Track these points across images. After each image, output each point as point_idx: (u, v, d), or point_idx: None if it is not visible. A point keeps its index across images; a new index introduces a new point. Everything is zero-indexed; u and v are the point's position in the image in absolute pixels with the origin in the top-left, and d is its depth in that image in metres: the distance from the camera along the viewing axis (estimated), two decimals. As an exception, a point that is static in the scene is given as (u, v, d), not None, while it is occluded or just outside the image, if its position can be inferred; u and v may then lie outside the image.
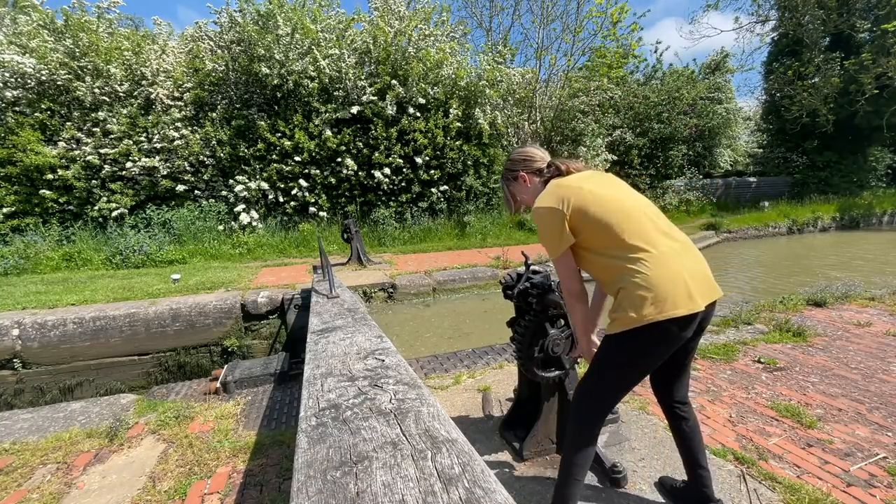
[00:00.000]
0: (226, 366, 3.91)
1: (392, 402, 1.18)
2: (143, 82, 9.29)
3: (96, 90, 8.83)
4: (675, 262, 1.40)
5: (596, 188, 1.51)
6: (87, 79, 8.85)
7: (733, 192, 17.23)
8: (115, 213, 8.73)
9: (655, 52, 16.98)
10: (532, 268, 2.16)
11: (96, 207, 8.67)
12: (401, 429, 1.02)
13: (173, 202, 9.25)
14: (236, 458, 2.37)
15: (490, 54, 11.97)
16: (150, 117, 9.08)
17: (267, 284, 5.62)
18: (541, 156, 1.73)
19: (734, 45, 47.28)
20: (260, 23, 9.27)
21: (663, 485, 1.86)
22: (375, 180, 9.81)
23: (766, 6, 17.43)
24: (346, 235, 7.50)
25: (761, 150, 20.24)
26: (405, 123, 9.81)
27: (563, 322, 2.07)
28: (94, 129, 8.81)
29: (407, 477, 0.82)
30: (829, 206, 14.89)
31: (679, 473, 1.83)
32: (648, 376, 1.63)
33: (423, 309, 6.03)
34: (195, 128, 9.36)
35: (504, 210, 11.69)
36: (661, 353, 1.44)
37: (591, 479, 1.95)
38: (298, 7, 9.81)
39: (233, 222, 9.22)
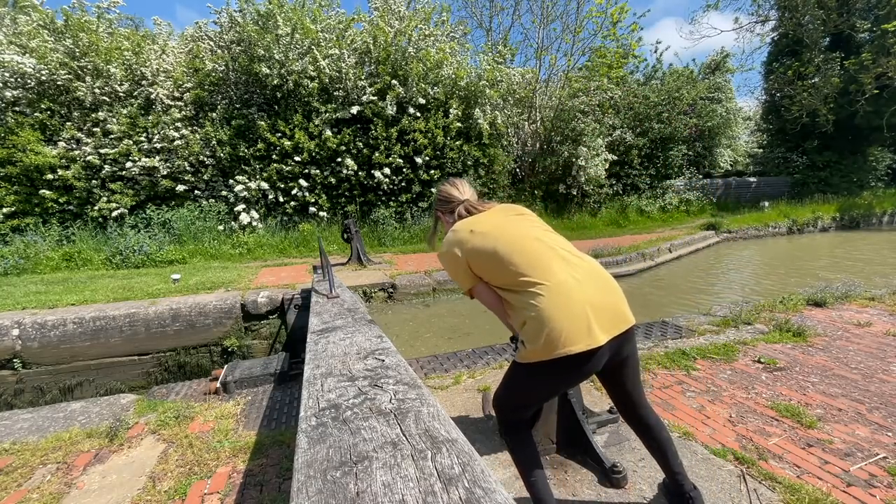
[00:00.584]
0: (226, 366, 3.91)
1: (392, 402, 1.18)
2: (143, 82, 9.29)
3: (96, 90, 8.83)
4: (574, 293, 1.35)
5: (487, 228, 1.55)
6: (87, 79, 8.85)
7: (733, 192, 17.24)
8: (115, 213, 8.73)
9: (655, 52, 17.02)
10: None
11: (96, 207, 8.68)
12: (401, 429, 1.02)
13: (173, 202, 9.26)
14: (236, 458, 2.37)
15: (490, 54, 11.97)
16: (150, 117, 9.09)
17: (267, 284, 5.62)
18: (456, 195, 1.79)
19: (734, 45, 47.40)
20: (260, 23, 9.27)
21: (665, 485, 1.86)
22: (375, 180, 9.82)
23: (766, 6, 17.46)
24: (346, 235, 7.50)
25: (761, 150, 20.25)
26: (405, 123, 9.81)
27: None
28: (94, 129, 8.82)
29: (407, 477, 0.82)
30: (829, 206, 14.89)
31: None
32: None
33: (423, 309, 6.03)
34: (195, 128, 9.37)
35: None
36: (562, 384, 1.50)
37: (591, 478, 1.95)
38: (298, 7, 9.81)
39: (233, 222, 9.23)
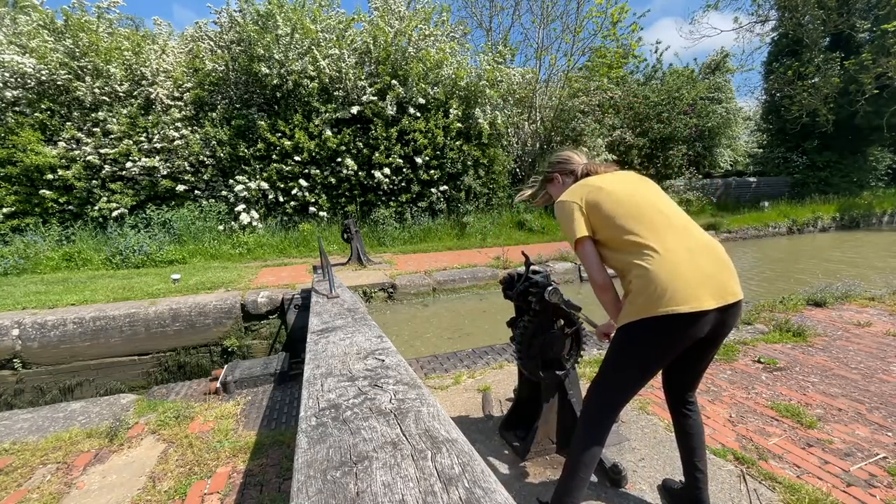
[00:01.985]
0: (226, 366, 3.91)
1: (392, 402, 1.18)
2: (143, 82, 9.29)
3: (96, 90, 8.83)
4: (684, 259, 1.38)
5: (613, 187, 1.57)
6: (87, 79, 8.85)
7: (733, 192, 17.23)
8: (115, 213, 8.73)
9: (655, 52, 16.99)
10: (532, 268, 2.16)
11: (96, 207, 8.67)
12: (401, 429, 1.02)
13: (173, 202, 9.25)
14: (236, 458, 2.37)
15: (490, 54, 11.97)
16: (150, 117, 9.08)
17: (267, 284, 5.62)
18: (577, 160, 1.82)
19: (734, 45, 47.28)
20: (260, 23, 9.27)
21: (665, 487, 1.86)
22: (375, 180, 9.81)
23: (766, 6, 17.45)
24: (346, 235, 7.50)
25: (761, 150, 20.24)
26: (405, 123, 9.81)
27: (562, 322, 2.07)
28: (94, 129, 8.82)
29: (407, 477, 0.82)
30: (829, 206, 14.88)
31: (679, 474, 1.83)
32: (660, 375, 1.64)
33: (423, 309, 6.03)
34: (195, 128, 9.37)
35: (503, 212, 11.70)
36: (666, 347, 1.41)
37: (591, 479, 1.95)
38: (298, 7, 9.81)
39: (233, 222, 9.23)
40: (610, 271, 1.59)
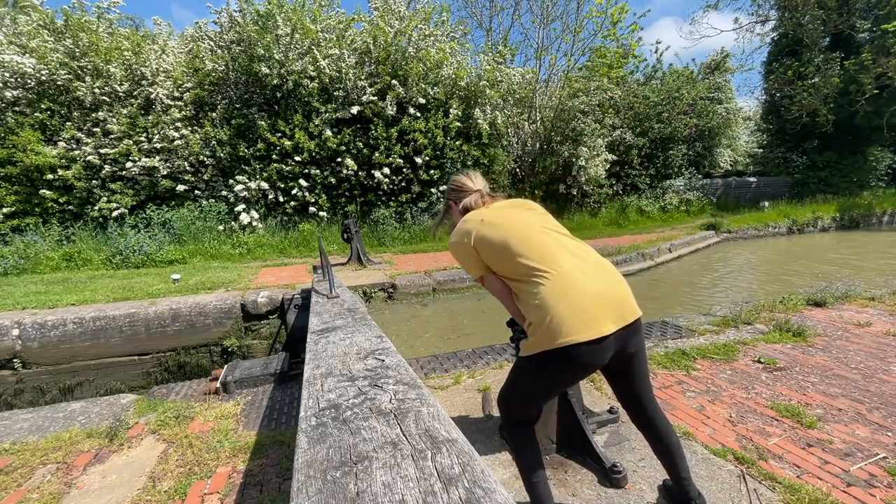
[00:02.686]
0: (226, 366, 3.91)
1: (392, 402, 1.18)
2: (143, 82, 9.29)
3: (96, 90, 8.83)
4: (579, 284, 1.36)
5: (496, 218, 1.59)
6: (87, 79, 8.85)
7: (733, 192, 17.23)
8: (115, 213, 8.73)
9: (655, 52, 17.00)
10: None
11: (96, 207, 8.68)
12: (401, 429, 1.02)
13: (173, 202, 9.26)
14: (236, 458, 2.37)
15: (490, 54, 11.97)
16: (150, 117, 9.09)
17: (267, 284, 5.62)
18: (469, 186, 1.82)
19: (734, 45, 47.35)
20: (260, 23, 9.27)
21: (665, 486, 1.86)
22: (375, 180, 9.81)
23: (766, 6, 17.45)
24: (346, 235, 7.50)
25: (761, 150, 20.24)
26: (405, 123, 9.81)
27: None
28: (94, 129, 8.82)
29: (407, 477, 0.82)
30: (829, 206, 14.88)
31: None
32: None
33: (423, 309, 6.03)
34: (195, 128, 9.37)
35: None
36: (567, 377, 1.48)
37: (591, 478, 1.95)
38: (298, 7, 9.81)
39: (233, 222, 9.23)
40: None
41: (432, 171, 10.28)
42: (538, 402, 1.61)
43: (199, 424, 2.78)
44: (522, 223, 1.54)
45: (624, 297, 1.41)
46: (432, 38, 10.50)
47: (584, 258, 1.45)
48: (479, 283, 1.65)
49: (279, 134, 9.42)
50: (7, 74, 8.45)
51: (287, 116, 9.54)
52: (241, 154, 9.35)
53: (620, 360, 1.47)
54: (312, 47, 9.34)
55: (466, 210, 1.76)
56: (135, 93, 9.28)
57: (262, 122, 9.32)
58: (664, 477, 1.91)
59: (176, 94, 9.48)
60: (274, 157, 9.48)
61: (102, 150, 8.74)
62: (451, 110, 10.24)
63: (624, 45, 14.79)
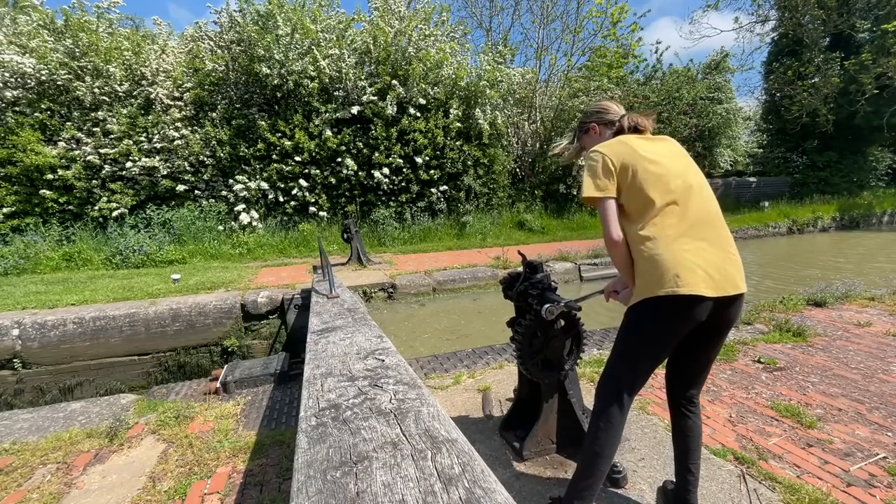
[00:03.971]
0: (226, 366, 3.91)
1: (392, 402, 1.18)
2: (143, 82, 9.29)
3: (96, 90, 8.83)
4: (694, 248, 1.39)
5: (654, 156, 1.51)
6: (87, 79, 8.85)
7: (733, 192, 17.23)
8: (115, 213, 8.73)
9: (655, 52, 16.98)
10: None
11: (96, 207, 8.67)
12: (401, 429, 1.02)
13: (173, 202, 9.25)
14: (236, 458, 2.37)
15: (490, 54, 11.97)
16: (150, 117, 9.09)
17: (267, 284, 5.62)
18: (615, 109, 1.74)
19: (734, 45, 47.32)
20: (260, 23, 9.27)
21: (664, 487, 1.85)
22: (375, 180, 9.81)
23: (766, 6, 17.45)
24: (346, 235, 7.50)
25: (761, 150, 20.23)
26: (405, 123, 9.81)
27: (562, 322, 2.07)
28: (94, 129, 8.82)
29: (407, 477, 0.82)
30: (829, 206, 14.88)
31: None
32: (663, 368, 1.66)
33: (423, 309, 6.03)
34: (195, 128, 9.37)
35: (503, 212, 11.69)
36: (669, 328, 1.43)
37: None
38: (298, 7, 9.81)
39: (233, 222, 9.23)
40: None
41: (432, 171, 10.28)
42: (646, 362, 1.52)
43: (199, 424, 2.78)
44: (675, 172, 1.49)
45: (733, 273, 1.44)
46: (432, 38, 10.49)
47: (711, 226, 1.46)
48: (596, 202, 1.51)
49: (279, 134, 9.42)
50: (7, 74, 8.45)
51: (287, 116, 9.54)
52: (241, 154, 9.35)
53: (710, 325, 1.46)
54: (312, 47, 9.33)
55: (629, 128, 1.65)
56: (135, 93, 9.27)
57: (263, 122, 9.32)
58: (665, 477, 1.91)
59: (176, 94, 9.48)
60: (274, 157, 9.48)
61: (102, 150, 8.74)
62: (451, 110, 10.23)
63: (624, 45, 14.80)
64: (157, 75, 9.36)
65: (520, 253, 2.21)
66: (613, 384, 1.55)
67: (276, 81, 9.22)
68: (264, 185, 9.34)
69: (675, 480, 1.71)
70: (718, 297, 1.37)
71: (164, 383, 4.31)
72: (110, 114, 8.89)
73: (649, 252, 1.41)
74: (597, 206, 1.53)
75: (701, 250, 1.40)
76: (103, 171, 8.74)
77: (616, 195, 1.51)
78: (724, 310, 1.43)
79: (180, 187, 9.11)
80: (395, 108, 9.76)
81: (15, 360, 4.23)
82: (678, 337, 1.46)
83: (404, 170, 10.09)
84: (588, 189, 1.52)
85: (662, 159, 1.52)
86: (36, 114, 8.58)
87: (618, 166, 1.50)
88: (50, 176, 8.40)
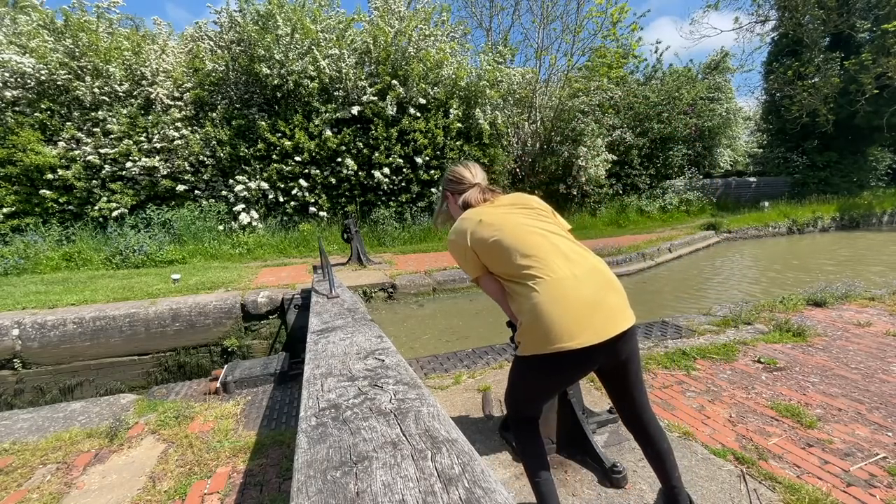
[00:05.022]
0: (226, 366, 3.91)
1: (392, 402, 1.18)
2: (143, 82, 9.29)
3: (96, 90, 8.83)
4: (572, 290, 1.36)
5: (494, 220, 1.56)
6: (87, 79, 8.85)
7: (733, 192, 17.23)
8: (115, 213, 8.73)
9: (655, 52, 17.00)
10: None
11: (96, 207, 8.68)
12: (401, 429, 1.02)
13: (173, 202, 9.26)
14: (236, 458, 2.37)
15: (490, 54, 11.97)
16: (150, 117, 9.09)
17: (267, 284, 5.62)
18: (468, 178, 1.76)
19: (734, 45, 47.35)
20: (260, 23, 9.28)
21: (662, 495, 1.85)
22: (375, 180, 9.82)
23: (766, 6, 17.44)
24: (346, 235, 7.50)
25: (761, 150, 20.23)
26: (405, 123, 9.81)
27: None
28: (94, 129, 8.82)
29: (407, 477, 0.82)
30: (829, 206, 14.88)
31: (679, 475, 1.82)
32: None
33: (423, 309, 6.03)
34: (195, 128, 9.37)
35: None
36: (559, 380, 1.51)
37: (591, 478, 1.95)
38: (298, 7, 9.82)
39: (233, 222, 9.23)
40: None
41: (432, 171, 10.28)
42: (536, 400, 1.64)
43: (199, 424, 2.78)
44: (519, 224, 1.53)
45: (617, 304, 1.41)
46: (432, 39, 10.50)
47: (578, 262, 1.44)
48: (476, 283, 1.66)
49: (279, 134, 9.42)
50: (7, 74, 8.45)
51: (287, 116, 9.54)
52: (241, 154, 9.35)
53: (612, 365, 1.49)
54: (312, 47, 9.34)
55: (466, 206, 1.71)
56: (135, 93, 9.28)
57: (263, 122, 9.32)
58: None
59: (176, 94, 9.48)
60: (274, 157, 9.48)
61: (102, 150, 8.74)
62: (451, 110, 10.24)
63: (624, 45, 14.81)
64: (157, 75, 9.37)
65: None
66: (519, 414, 1.66)
67: (276, 81, 9.22)
68: (264, 185, 9.34)
69: (662, 493, 1.68)
70: (609, 338, 1.35)
71: (164, 383, 4.30)
72: (110, 114, 8.89)
73: (531, 306, 1.39)
74: (479, 286, 1.66)
75: (580, 291, 1.37)
76: (103, 171, 8.74)
77: (486, 270, 1.58)
78: (617, 346, 1.41)
79: (180, 187, 9.11)
80: (396, 108, 9.76)
81: (15, 360, 4.23)
82: (574, 382, 1.57)
83: (404, 170, 10.09)
84: (470, 274, 1.65)
85: (506, 215, 1.58)
86: (36, 114, 8.58)
87: (471, 245, 1.56)
88: (50, 176, 8.40)
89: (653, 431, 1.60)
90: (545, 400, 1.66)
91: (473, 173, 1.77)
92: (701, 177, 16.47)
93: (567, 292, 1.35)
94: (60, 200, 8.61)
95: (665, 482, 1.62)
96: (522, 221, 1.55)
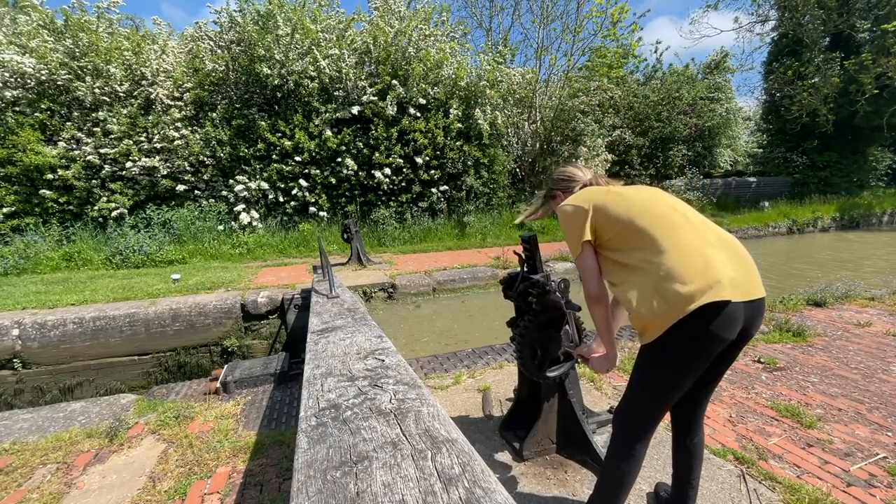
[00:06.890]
0: (226, 366, 3.91)
1: (392, 402, 1.18)
2: (143, 82, 9.29)
3: (96, 90, 8.83)
4: (703, 253, 1.28)
5: (623, 190, 1.55)
6: (87, 79, 8.85)
7: (733, 192, 17.22)
8: (115, 213, 8.73)
9: (655, 51, 16.99)
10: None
11: (96, 207, 8.67)
12: (401, 429, 1.02)
13: (173, 202, 9.25)
14: (236, 458, 2.37)
15: (490, 54, 11.97)
16: (150, 117, 9.08)
17: (267, 284, 5.62)
18: (580, 176, 1.75)
19: (734, 44, 47.32)
20: (260, 23, 9.27)
21: (656, 492, 1.84)
22: (375, 180, 9.81)
23: (766, 6, 17.44)
24: (346, 235, 7.50)
25: (761, 150, 20.23)
26: (405, 123, 9.81)
27: (562, 322, 2.07)
28: (94, 129, 8.81)
29: (407, 477, 0.82)
30: (829, 206, 14.88)
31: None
32: None
33: (423, 309, 6.03)
34: (195, 128, 9.36)
35: (503, 212, 11.68)
36: (709, 350, 1.28)
37: (591, 478, 1.95)
38: (298, 7, 9.81)
39: (233, 222, 9.23)
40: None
41: (432, 172, 10.28)
42: (672, 398, 1.38)
43: (199, 424, 2.78)
44: (647, 198, 1.49)
45: (750, 273, 1.30)
46: (432, 39, 10.49)
47: (709, 231, 1.37)
48: (576, 253, 1.53)
49: (279, 134, 9.42)
50: (7, 74, 8.45)
51: (287, 116, 9.53)
52: (241, 154, 9.35)
53: (737, 338, 1.32)
54: (312, 47, 9.33)
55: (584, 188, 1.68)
56: (135, 93, 9.27)
57: (263, 123, 9.31)
58: (664, 478, 1.91)
59: (176, 94, 9.47)
60: (274, 157, 9.48)
61: (102, 150, 8.73)
62: (451, 110, 10.23)
63: (624, 45, 14.81)
64: (157, 75, 9.36)
65: (516, 253, 2.20)
66: (636, 428, 1.46)
67: (276, 81, 9.22)
68: (264, 185, 9.34)
69: (671, 491, 1.67)
70: (745, 300, 1.26)
71: (164, 383, 4.31)
72: (110, 114, 8.89)
73: (656, 269, 1.31)
74: (577, 258, 1.55)
75: (713, 256, 1.30)
76: (103, 171, 8.74)
77: (596, 237, 1.49)
78: (751, 316, 1.31)
79: (180, 187, 9.10)
80: (396, 108, 9.76)
81: (15, 360, 4.23)
82: (714, 356, 1.32)
83: (405, 170, 10.09)
84: (572, 239, 1.54)
85: (635, 190, 1.55)
86: (36, 114, 8.57)
87: (591, 210, 1.50)
88: (50, 176, 8.40)
89: (699, 422, 1.56)
90: (676, 396, 1.37)
91: (584, 171, 1.76)
92: (701, 177, 16.44)
93: (704, 250, 1.28)
94: (60, 200, 8.60)
95: (685, 479, 1.58)
96: (651, 195, 1.51)
